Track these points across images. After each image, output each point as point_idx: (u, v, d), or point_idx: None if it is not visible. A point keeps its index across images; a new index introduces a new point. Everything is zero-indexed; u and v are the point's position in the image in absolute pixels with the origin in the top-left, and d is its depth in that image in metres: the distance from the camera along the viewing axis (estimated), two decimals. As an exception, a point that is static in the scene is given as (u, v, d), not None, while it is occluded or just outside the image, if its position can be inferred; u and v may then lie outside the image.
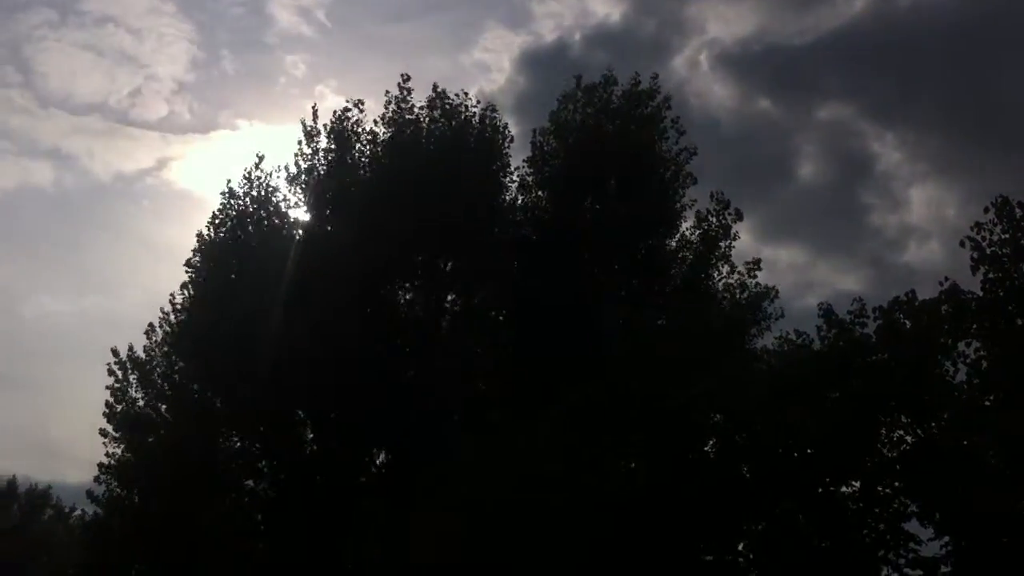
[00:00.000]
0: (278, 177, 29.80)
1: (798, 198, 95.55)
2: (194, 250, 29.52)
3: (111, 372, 29.10)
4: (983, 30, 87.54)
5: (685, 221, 29.17)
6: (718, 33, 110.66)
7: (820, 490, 25.12)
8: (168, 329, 29.49)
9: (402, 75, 29.39)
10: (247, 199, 29.61)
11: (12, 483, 74.50)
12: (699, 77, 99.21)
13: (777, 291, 28.45)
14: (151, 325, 29.58)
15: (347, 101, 29.35)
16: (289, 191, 29.69)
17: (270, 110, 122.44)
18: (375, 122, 29.42)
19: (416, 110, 29.45)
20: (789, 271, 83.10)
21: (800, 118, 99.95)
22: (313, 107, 29.70)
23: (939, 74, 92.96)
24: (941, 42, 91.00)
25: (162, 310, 29.67)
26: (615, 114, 29.40)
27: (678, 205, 29.26)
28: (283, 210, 29.68)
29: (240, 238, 29.56)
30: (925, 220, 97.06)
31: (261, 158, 29.92)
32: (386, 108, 29.37)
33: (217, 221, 29.66)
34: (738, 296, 28.39)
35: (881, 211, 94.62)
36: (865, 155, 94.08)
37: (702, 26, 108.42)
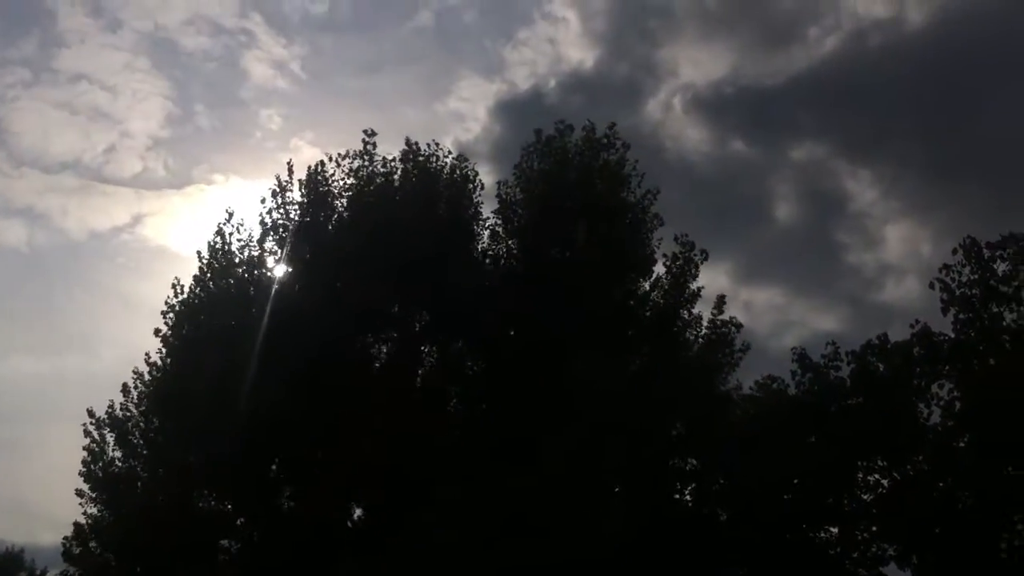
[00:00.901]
0: (252, 232, 29.84)
1: (775, 239, 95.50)
2: (167, 302, 29.42)
3: (87, 433, 28.84)
4: (955, 66, 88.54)
5: (655, 264, 29.16)
6: (691, 76, 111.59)
7: (798, 535, 25.02)
8: (142, 388, 29.28)
9: (365, 131, 29.78)
10: (219, 255, 29.58)
11: (-11, 547, 73.39)
12: (673, 120, 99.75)
13: (741, 324, 28.18)
14: (125, 384, 29.35)
15: (325, 155, 29.51)
16: (263, 245, 29.68)
17: (246, 164, 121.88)
18: (348, 174, 29.58)
19: (388, 162, 29.65)
20: (768, 312, 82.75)
21: (775, 159, 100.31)
22: (288, 162, 29.87)
23: (912, 111, 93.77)
24: (913, 79, 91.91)
25: (135, 370, 29.45)
26: (575, 163, 29.58)
27: (648, 249, 29.27)
28: (256, 265, 29.62)
29: (213, 293, 29.47)
30: (901, 258, 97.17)
31: (231, 214, 29.98)
32: (353, 162, 29.56)
33: (194, 279, 29.63)
34: (707, 334, 28.19)
35: (857, 250, 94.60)
36: (840, 194, 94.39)
37: (675, 69, 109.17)
